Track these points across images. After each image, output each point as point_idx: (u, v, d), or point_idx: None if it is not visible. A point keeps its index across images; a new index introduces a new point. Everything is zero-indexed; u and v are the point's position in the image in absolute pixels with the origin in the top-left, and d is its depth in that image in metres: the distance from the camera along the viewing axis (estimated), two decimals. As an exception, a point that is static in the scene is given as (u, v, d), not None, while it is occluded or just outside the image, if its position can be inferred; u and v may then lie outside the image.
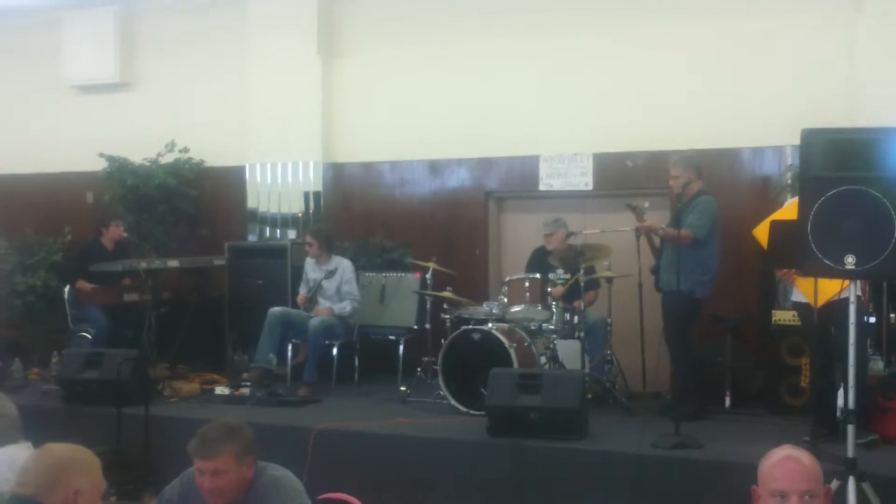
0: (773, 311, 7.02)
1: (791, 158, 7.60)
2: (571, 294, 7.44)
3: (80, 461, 3.01)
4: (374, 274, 8.81)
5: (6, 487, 3.41)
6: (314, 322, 7.86)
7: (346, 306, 8.09)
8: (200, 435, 3.56)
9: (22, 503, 2.89)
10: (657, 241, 6.95)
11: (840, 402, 5.64)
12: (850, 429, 4.58)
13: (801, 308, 6.18)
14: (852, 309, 4.55)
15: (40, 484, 2.90)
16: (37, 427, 4.18)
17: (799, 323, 6.57)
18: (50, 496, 2.88)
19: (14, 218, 10.40)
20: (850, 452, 4.53)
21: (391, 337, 8.43)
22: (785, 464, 2.87)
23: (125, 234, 8.75)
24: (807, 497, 2.80)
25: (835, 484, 4.25)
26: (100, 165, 9.62)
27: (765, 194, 7.90)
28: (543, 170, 8.71)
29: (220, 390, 7.72)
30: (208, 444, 3.51)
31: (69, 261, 9.39)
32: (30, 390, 7.94)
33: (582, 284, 7.22)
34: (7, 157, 10.54)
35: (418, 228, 9.15)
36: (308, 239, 8.26)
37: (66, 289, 8.75)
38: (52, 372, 8.20)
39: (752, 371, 7.31)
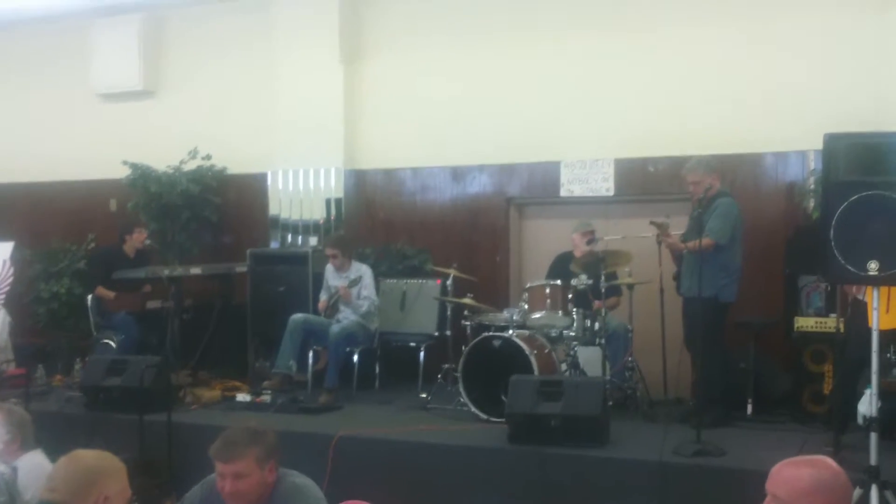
0: (796, 318, 6.97)
1: (814, 163, 7.55)
2: (593, 295, 7.38)
3: (108, 468, 3.04)
4: (394, 280, 8.82)
5: (28, 496, 3.43)
6: (335, 329, 7.88)
7: (362, 304, 8.11)
8: (223, 438, 3.57)
9: None
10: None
11: (862, 408, 5.62)
12: (873, 436, 4.56)
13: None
14: (875, 315, 4.52)
15: (70, 491, 2.93)
16: (60, 434, 4.22)
17: (821, 330, 6.52)
18: (79, 503, 2.91)
19: (38, 225, 10.49)
20: (873, 460, 4.50)
21: (412, 343, 8.43)
22: (777, 466, 2.80)
23: (148, 241, 8.79)
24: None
25: (857, 492, 4.22)
26: (123, 173, 9.65)
27: (788, 199, 7.84)
28: (565, 176, 8.68)
29: (242, 397, 7.72)
30: (230, 447, 3.50)
31: (90, 266, 9.43)
32: (53, 397, 7.98)
33: (603, 290, 7.20)
34: (32, 164, 10.62)
35: (439, 235, 9.14)
36: (331, 251, 8.19)
37: (90, 296, 8.81)
38: (76, 379, 8.28)
39: (775, 377, 7.26)
